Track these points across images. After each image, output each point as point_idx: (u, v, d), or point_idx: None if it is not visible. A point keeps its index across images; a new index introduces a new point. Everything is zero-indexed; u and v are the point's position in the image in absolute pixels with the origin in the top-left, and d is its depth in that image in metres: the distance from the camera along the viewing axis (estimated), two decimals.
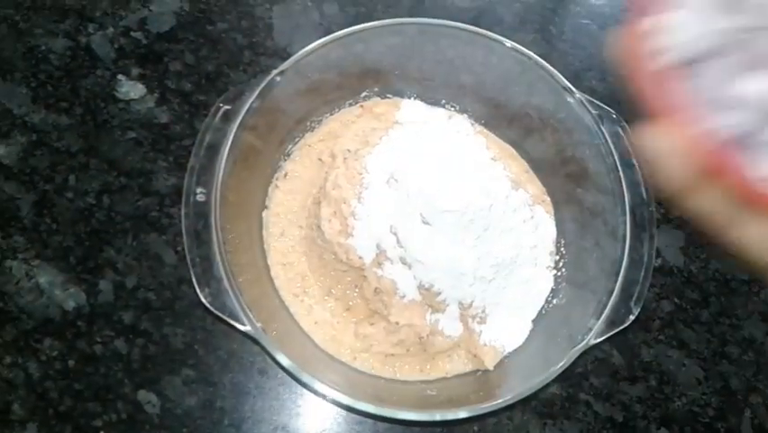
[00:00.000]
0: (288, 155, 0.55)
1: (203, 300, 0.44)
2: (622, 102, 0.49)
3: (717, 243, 0.25)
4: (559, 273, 0.53)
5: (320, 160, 0.55)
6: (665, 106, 0.22)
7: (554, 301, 0.52)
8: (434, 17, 0.52)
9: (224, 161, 0.46)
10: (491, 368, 0.49)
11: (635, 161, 0.48)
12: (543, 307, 0.52)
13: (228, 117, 0.47)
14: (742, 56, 0.22)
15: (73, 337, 0.51)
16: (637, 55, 0.23)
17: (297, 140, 0.55)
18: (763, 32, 0.22)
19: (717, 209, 0.24)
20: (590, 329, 0.45)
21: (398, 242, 0.47)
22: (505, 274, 0.49)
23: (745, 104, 0.22)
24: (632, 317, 0.45)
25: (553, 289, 0.52)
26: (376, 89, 0.57)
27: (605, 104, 0.50)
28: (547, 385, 0.44)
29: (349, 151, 0.52)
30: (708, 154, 0.22)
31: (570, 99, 0.50)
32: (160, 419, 0.49)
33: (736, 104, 0.22)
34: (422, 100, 0.57)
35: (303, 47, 0.49)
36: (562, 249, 0.54)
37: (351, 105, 0.57)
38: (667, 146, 0.23)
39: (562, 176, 0.55)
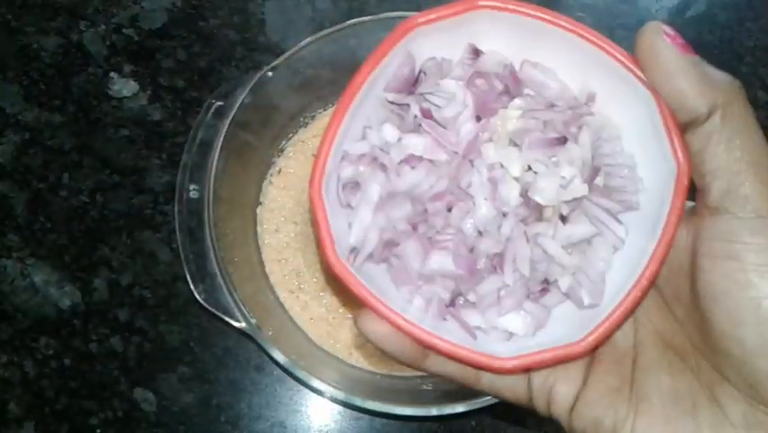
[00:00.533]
0: (282, 151, 0.55)
1: (197, 297, 0.44)
2: None
3: None
4: None
5: (314, 156, 0.55)
6: (366, 298, 0.24)
7: None
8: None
9: (216, 158, 0.46)
10: None
11: None
12: None
13: (221, 114, 0.47)
14: (416, 240, 0.25)
15: (68, 336, 0.51)
16: (337, 264, 0.24)
17: (290, 136, 0.55)
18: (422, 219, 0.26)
19: (452, 370, 0.26)
20: None
21: None
22: None
23: (438, 276, 0.25)
24: None
25: None
26: None
27: None
28: None
29: None
30: (411, 334, 0.24)
31: None
32: (156, 416, 0.49)
33: (430, 278, 0.25)
34: None
35: (296, 42, 0.49)
36: None
37: None
38: (380, 330, 0.24)
39: None
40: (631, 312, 0.24)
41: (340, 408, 0.50)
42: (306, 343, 0.50)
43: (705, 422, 0.22)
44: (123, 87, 0.57)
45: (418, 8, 0.61)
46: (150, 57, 0.58)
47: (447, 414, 0.44)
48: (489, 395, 0.28)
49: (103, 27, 0.59)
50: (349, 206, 0.26)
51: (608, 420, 0.24)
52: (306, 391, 0.50)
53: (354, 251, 0.25)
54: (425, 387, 0.48)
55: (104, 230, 0.53)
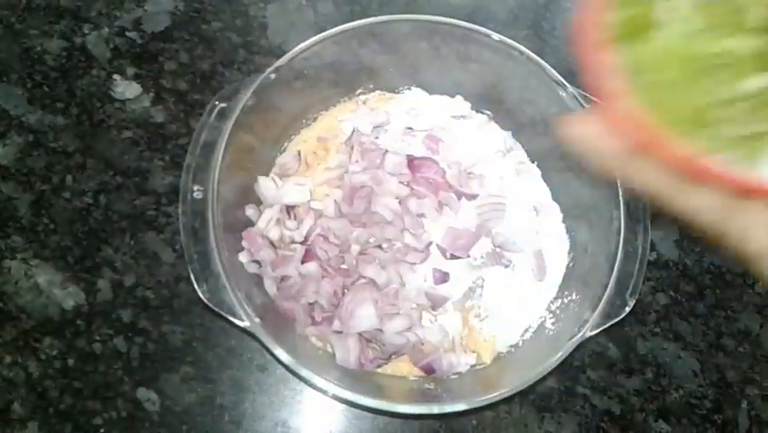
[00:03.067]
0: (284, 152, 0.55)
1: (201, 297, 0.44)
2: None
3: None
4: None
5: (314, 153, 0.55)
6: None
7: None
8: (427, 14, 0.52)
9: (220, 159, 0.46)
10: (489, 362, 0.50)
11: None
12: None
13: (224, 115, 0.48)
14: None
15: (72, 336, 0.51)
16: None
17: (292, 137, 0.55)
18: None
19: (655, 182, 0.24)
20: (586, 321, 0.45)
21: None
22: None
23: None
24: (627, 309, 0.45)
25: None
26: (371, 85, 0.57)
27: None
28: (544, 378, 0.44)
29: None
30: (638, 131, 0.23)
31: (562, 93, 0.50)
32: (159, 416, 0.49)
33: None
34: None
35: (297, 45, 0.49)
36: None
37: (345, 101, 0.57)
38: (594, 130, 0.24)
39: (556, 170, 0.55)
40: None
41: (343, 406, 0.50)
42: (309, 342, 0.50)
43: None
44: (126, 89, 0.58)
45: (420, 11, 0.61)
46: (152, 60, 0.58)
47: (448, 412, 0.44)
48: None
49: (106, 30, 0.59)
50: None
51: None
52: (310, 390, 0.50)
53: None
54: (427, 386, 0.49)
55: (107, 231, 0.54)
